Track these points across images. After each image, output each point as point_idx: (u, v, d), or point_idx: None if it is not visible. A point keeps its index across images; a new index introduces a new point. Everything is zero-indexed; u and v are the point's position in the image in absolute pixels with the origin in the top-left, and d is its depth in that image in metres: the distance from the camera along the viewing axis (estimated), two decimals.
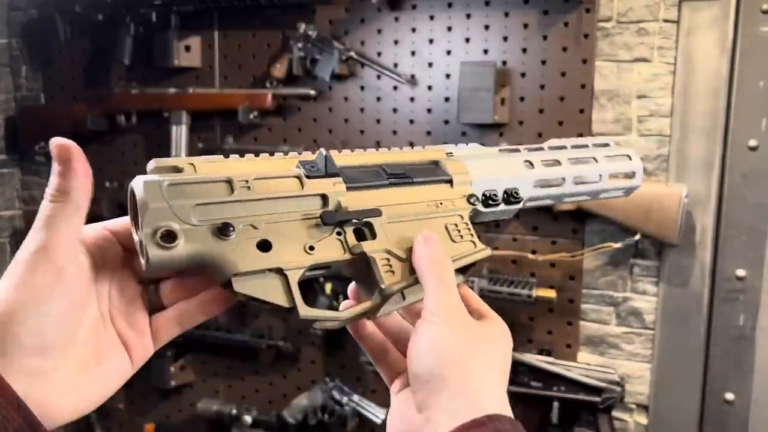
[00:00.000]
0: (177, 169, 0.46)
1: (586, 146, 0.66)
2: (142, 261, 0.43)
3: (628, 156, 0.66)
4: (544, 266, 1.57)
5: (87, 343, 0.42)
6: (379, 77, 1.66)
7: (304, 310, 0.46)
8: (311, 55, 1.65)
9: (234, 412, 1.85)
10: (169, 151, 1.81)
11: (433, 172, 0.57)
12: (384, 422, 1.70)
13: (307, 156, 0.52)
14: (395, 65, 1.65)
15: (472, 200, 0.56)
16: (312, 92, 1.69)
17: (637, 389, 1.56)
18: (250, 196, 0.47)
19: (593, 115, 1.49)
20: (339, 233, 0.50)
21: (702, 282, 1.47)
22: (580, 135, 1.50)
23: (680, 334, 1.51)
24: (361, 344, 0.54)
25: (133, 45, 1.85)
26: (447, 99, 1.61)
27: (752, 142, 1.41)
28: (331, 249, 0.49)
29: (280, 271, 0.47)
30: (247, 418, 1.82)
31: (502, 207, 0.58)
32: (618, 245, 1.46)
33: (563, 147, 0.65)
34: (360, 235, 0.51)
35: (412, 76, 1.63)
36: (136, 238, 0.44)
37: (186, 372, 1.94)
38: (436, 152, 0.59)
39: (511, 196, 0.59)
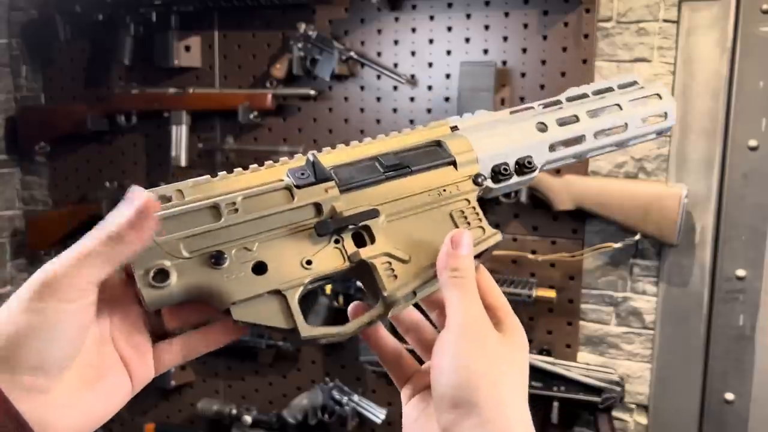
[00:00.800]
0: (166, 198, 0.45)
1: (611, 89, 0.60)
2: (142, 299, 0.43)
3: (658, 95, 0.60)
4: (544, 266, 1.57)
5: (87, 362, 0.41)
6: (379, 77, 1.66)
7: (306, 331, 0.45)
8: (311, 55, 1.65)
9: (234, 412, 1.85)
10: (169, 151, 1.81)
11: (435, 155, 0.53)
12: (384, 422, 1.70)
13: (299, 161, 0.49)
14: (395, 65, 1.65)
15: (479, 180, 0.53)
16: (312, 92, 1.69)
17: (637, 389, 1.56)
18: (239, 218, 0.45)
19: None
20: (337, 241, 0.48)
21: (702, 282, 1.47)
22: None
23: (680, 334, 1.51)
24: (370, 346, 0.52)
25: (133, 45, 1.84)
26: (447, 99, 1.61)
27: (752, 142, 1.41)
28: (329, 259, 0.47)
29: (278, 293, 0.45)
30: (247, 418, 1.82)
31: (515, 179, 0.54)
32: (618, 245, 1.46)
33: (584, 95, 0.60)
34: (359, 240, 0.48)
35: (412, 76, 1.63)
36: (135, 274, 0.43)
37: (186, 372, 1.94)
38: (439, 129, 0.55)
39: (523, 166, 0.54)
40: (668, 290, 1.50)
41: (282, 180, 0.48)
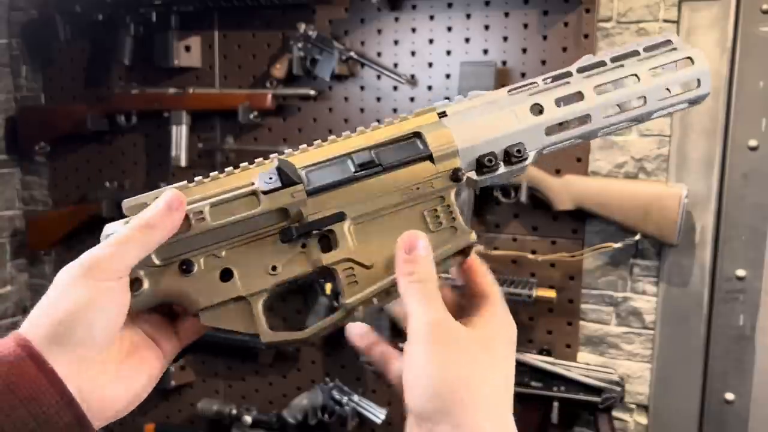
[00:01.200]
0: (146, 206, 0.47)
1: (636, 53, 0.53)
2: None
3: (690, 59, 0.52)
4: (544, 266, 1.57)
5: (124, 339, 0.46)
6: (379, 77, 1.66)
7: (267, 336, 0.48)
8: (311, 55, 1.65)
9: (234, 412, 1.85)
10: (169, 151, 1.80)
11: (411, 149, 0.50)
12: (384, 422, 1.70)
13: (271, 163, 0.49)
14: (395, 65, 1.65)
15: (458, 175, 0.49)
16: (312, 92, 1.69)
17: (637, 389, 1.56)
18: (206, 227, 0.47)
19: None
20: (303, 245, 0.48)
21: (702, 282, 1.47)
22: None
23: (680, 334, 1.51)
24: (361, 353, 0.53)
25: (133, 45, 1.84)
26: (447, 99, 1.61)
27: (752, 142, 1.41)
28: (295, 264, 0.48)
29: (243, 299, 0.47)
30: (247, 418, 1.82)
31: (503, 169, 0.50)
32: (618, 245, 1.46)
33: (600, 63, 0.52)
34: (326, 243, 0.48)
35: (412, 76, 1.63)
36: None
37: (186, 372, 1.94)
38: (424, 116, 0.52)
39: (512, 156, 0.50)
40: (668, 290, 1.50)
41: (252, 184, 0.48)
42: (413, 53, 1.63)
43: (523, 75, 1.54)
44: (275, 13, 1.73)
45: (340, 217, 0.48)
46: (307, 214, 0.47)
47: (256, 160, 0.50)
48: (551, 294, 1.53)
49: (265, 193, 0.47)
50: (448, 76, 1.61)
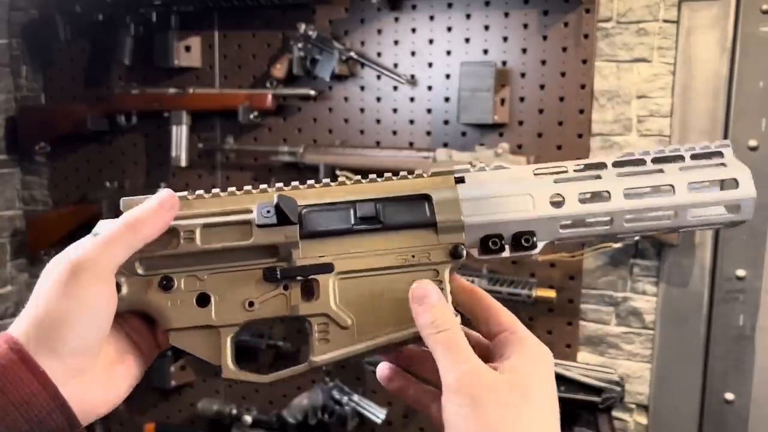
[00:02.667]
0: None
1: (681, 158, 0.49)
2: None
3: (735, 180, 0.50)
4: (544, 266, 1.57)
5: (110, 343, 0.46)
6: (379, 77, 1.66)
7: (228, 373, 0.47)
8: (311, 55, 1.65)
9: (234, 412, 1.85)
10: (169, 151, 1.80)
11: (417, 212, 0.47)
12: (384, 422, 1.70)
13: (272, 194, 0.48)
14: (395, 65, 1.65)
15: (458, 252, 0.47)
16: (312, 92, 1.69)
17: (637, 389, 1.56)
18: (194, 247, 0.46)
19: (593, 115, 1.49)
20: (285, 287, 0.47)
21: (702, 282, 1.47)
22: (580, 136, 1.50)
23: (680, 334, 1.51)
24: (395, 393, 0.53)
25: (133, 45, 1.84)
26: (447, 99, 1.61)
27: (752, 142, 1.41)
28: (273, 305, 0.47)
29: (214, 328, 0.47)
30: (247, 418, 1.82)
31: (507, 254, 0.48)
32: (618, 245, 1.46)
33: (639, 162, 0.49)
34: (308, 290, 0.47)
35: (412, 76, 1.63)
36: None
37: (186, 372, 1.94)
38: (440, 179, 0.49)
39: (520, 243, 0.48)
40: (668, 290, 1.50)
41: (250, 211, 0.47)
42: (413, 53, 1.63)
43: (523, 75, 1.54)
44: (275, 13, 1.73)
45: (328, 268, 0.47)
46: (297, 257, 0.47)
47: (261, 186, 0.49)
48: (551, 294, 1.53)
49: (259, 226, 0.46)
50: (448, 76, 1.61)
